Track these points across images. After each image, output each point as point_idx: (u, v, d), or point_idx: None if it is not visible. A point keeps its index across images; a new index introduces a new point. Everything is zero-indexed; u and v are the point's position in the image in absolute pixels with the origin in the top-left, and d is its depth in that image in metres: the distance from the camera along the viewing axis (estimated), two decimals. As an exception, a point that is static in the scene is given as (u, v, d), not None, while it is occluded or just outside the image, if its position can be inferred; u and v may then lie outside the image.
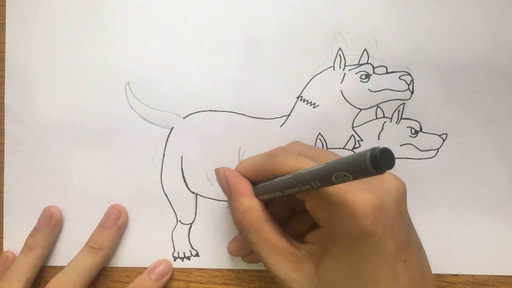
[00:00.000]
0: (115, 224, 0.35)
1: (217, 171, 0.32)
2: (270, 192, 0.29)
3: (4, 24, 0.36)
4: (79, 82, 0.36)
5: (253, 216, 0.29)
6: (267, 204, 0.32)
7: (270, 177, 0.29)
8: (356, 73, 0.35)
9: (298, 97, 0.35)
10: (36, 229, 0.36)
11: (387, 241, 0.24)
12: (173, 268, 0.36)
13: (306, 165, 0.27)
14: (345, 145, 0.35)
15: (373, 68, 0.35)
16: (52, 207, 0.36)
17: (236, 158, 0.36)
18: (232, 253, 0.35)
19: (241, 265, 0.36)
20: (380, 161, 0.19)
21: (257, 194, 0.30)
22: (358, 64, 0.35)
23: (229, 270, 0.36)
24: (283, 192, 0.27)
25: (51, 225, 0.35)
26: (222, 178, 0.31)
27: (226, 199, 0.36)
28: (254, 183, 0.31)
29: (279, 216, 0.33)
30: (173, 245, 0.36)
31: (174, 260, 0.37)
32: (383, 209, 0.24)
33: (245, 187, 0.30)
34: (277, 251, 0.28)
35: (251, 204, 0.29)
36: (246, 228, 0.29)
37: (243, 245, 0.34)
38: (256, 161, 0.31)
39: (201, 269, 0.37)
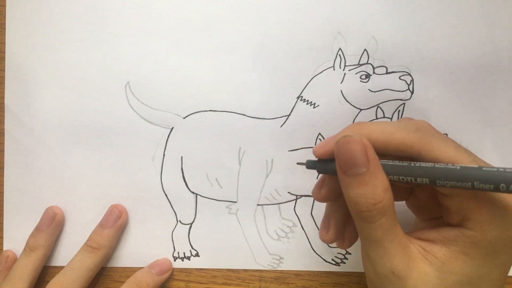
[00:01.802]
0: (115, 224, 0.35)
1: (352, 139, 0.25)
2: (410, 176, 0.24)
3: (4, 24, 0.36)
4: (79, 82, 0.36)
5: (392, 197, 0.25)
6: None
7: (409, 156, 0.25)
8: (356, 73, 0.35)
9: (298, 97, 0.35)
10: (38, 229, 0.35)
11: None
12: (173, 268, 0.36)
13: (467, 160, 0.24)
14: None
15: (373, 68, 0.35)
16: (55, 207, 0.36)
17: (236, 158, 0.36)
18: (331, 240, 0.29)
19: (241, 265, 0.36)
20: None
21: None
22: (358, 64, 0.35)
23: (229, 270, 0.36)
24: (432, 182, 0.24)
25: (53, 226, 0.35)
26: (360, 147, 0.24)
27: (226, 199, 0.36)
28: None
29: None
30: (173, 245, 0.36)
31: (174, 260, 0.37)
32: None
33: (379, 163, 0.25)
34: (399, 242, 0.25)
35: (388, 182, 0.25)
36: (383, 211, 0.24)
37: (341, 229, 0.29)
38: (394, 131, 0.25)
39: (201, 269, 0.37)
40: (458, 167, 0.23)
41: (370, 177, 0.24)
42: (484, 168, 0.22)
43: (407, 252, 0.25)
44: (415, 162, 0.25)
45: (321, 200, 0.29)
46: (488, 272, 0.25)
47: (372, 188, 0.24)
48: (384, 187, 0.24)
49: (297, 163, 0.30)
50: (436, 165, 0.24)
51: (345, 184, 0.25)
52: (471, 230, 0.25)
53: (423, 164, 0.24)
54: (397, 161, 0.25)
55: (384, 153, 0.26)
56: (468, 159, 0.24)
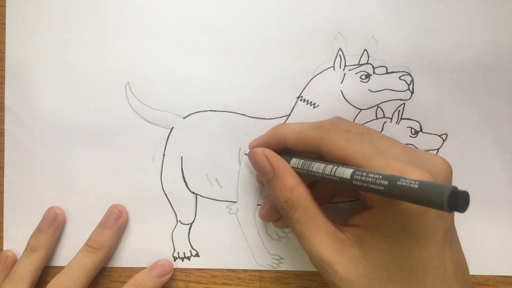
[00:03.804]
0: (115, 224, 0.35)
1: (255, 152, 0.30)
2: (308, 175, 0.29)
3: (4, 24, 0.36)
4: (79, 82, 0.36)
5: (303, 193, 0.28)
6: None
7: (313, 150, 0.29)
8: (356, 73, 0.35)
9: (298, 97, 0.35)
10: (39, 230, 0.35)
11: (438, 222, 0.25)
12: (173, 268, 0.36)
13: (354, 151, 0.27)
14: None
15: (373, 68, 0.35)
16: (56, 207, 0.36)
17: (236, 158, 0.36)
18: (264, 218, 0.34)
19: (241, 265, 0.36)
20: (459, 204, 0.19)
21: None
22: (358, 64, 0.35)
23: (229, 270, 0.36)
24: (322, 179, 0.28)
25: (55, 226, 0.35)
26: (262, 158, 0.30)
27: (226, 199, 0.36)
28: (282, 151, 0.31)
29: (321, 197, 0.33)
30: (173, 245, 0.36)
31: (174, 260, 0.37)
32: None
33: (288, 166, 0.29)
34: (323, 232, 0.27)
35: (299, 181, 0.29)
36: (295, 206, 0.28)
37: (275, 209, 0.33)
38: (301, 130, 0.30)
39: (201, 269, 0.37)
40: (331, 166, 0.27)
41: (277, 181, 0.29)
42: (335, 167, 0.26)
43: (334, 240, 0.27)
44: (316, 161, 0.28)
45: (262, 217, 0.34)
46: (408, 248, 0.25)
47: (279, 189, 0.29)
48: (291, 186, 0.28)
49: (245, 154, 0.35)
50: (323, 164, 0.27)
51: (267, 188, 0.30)
52: (376, 208, 0.27)
53: (316, 163, 0.28)
54: (306, 160, 0.29)
55: (298, 150, 0.30)
56: (356, 147, 0.27)
